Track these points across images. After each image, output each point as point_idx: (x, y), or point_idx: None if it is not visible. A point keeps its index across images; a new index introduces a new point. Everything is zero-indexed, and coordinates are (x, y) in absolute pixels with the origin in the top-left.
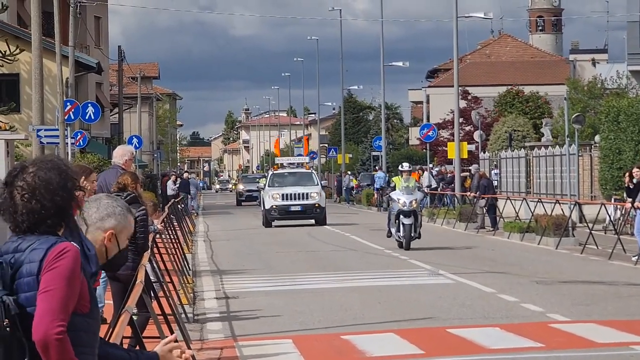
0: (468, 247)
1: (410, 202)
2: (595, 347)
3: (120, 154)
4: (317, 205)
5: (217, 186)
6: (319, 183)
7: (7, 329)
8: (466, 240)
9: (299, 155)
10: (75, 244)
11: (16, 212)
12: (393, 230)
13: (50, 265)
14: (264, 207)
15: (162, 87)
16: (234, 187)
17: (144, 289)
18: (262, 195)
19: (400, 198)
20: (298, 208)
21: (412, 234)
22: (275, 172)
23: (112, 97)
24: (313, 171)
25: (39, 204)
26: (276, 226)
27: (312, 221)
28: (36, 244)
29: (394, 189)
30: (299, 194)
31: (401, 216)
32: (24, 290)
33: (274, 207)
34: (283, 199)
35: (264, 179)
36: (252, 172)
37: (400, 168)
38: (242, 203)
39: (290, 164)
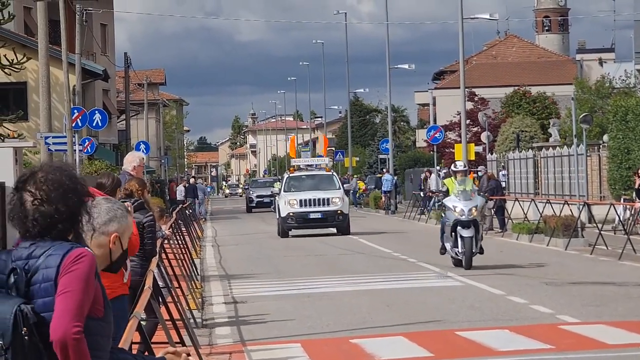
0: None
1: (470, 209)
2: (605, 349)
3: (129, 161)
4: (339, 212)
5: (227, 191)
6: (341, 187)
7: (26, 337)
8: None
9: (306, 157)
10: (90, 250)
11: (26, 217)
12: (448, 245)
13: (68, 269)
14: (279, 214)
15: (168, 93)
16: (243, 192)
17: (152, 295)
18: (277, 201)
19: (457, 205)
20: (318, 215)
21: (474, 249)
22: (291, 175)
23: (119, 103)
24: (334, 173)
25: (53, 207)
26: (293, 236)
27: (334, 230)
28: (51, 250)
29: (446, 193)
30: (318, 200)
31: (459, 227)
32: (41, 296)
33: (291, 214)
34: (301, 206)
35: (277, 183)
36: (262, 176)
37: (453, 168)
38: (253, 210)
39: (309, 165)
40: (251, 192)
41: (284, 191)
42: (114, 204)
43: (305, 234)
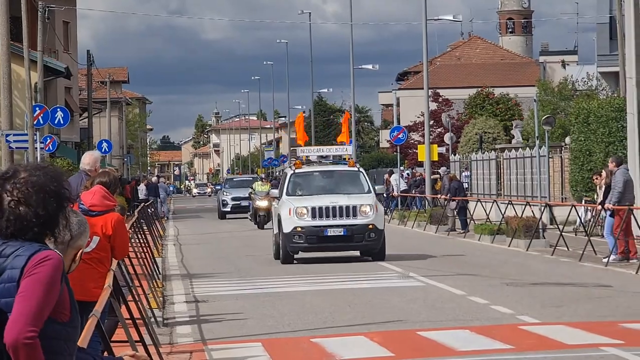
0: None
1: None
2: (565, 349)
3: (92, 161)
4: (371, 226)
5: (195, 190)
6: (372, 189)
7: None
8: (439, 243)
9: (270, 156)
10: (58, 253)
11: (2, 217)
12: None
13: (30, 272)
14: (279, 228)
15: (131, 92)
16: (212, 191)
17: (112, 293)
18: (276, 209)
19: None
20: (339, 231)
21: None
22: (297, 171)
23: (81, 101)
24: (361, 169)
25: (31, 210)
26: (300, 260)
27: (360, 253)
28: (20, 251)
29: None
30: (340, 208)
31: None
32: (4, 296)
33: (299, 230)
34: (314, 217)
35: (258, 182)
36: (228, 174)
37: None
38: (227, 215)
39: (323, 157)
40: (225, 193)
41: (287, 195)
42: (82, 218)
43: (317, 257)
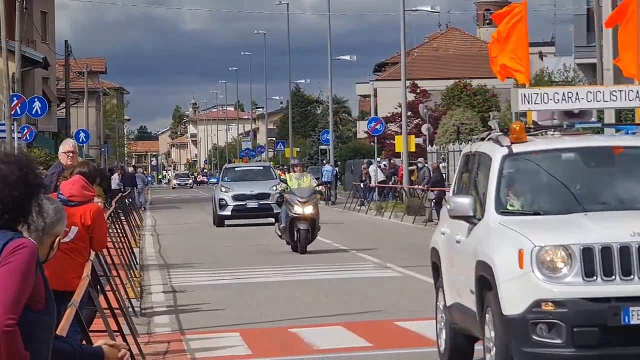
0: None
1: None
2: None
3: (60, 149)
4: None
5: (174, 182)
6: None
7: None
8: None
9: (247, 146)
10: (32, 241)
11: None
12: None
13: (6, 260)
14: (483, 300)
15: (109, 82)
16: (193, 183)
17: (90, 283)
18: (463, 245)
19: None
20: None
21: None
22: (517, 149)
23: (59, 91)
24: None
25: (2, 196)
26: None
27: None
28: None
29: None
30: None
31: None
32: None
33: (552, 309)
34: (590, 275)
35: (293, 174)
36: (243, 161)
37: None
38: (227, 221)
39: (574, 114)
40: (223, 189)
41: (500, 211)
42: (58, 204)
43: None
